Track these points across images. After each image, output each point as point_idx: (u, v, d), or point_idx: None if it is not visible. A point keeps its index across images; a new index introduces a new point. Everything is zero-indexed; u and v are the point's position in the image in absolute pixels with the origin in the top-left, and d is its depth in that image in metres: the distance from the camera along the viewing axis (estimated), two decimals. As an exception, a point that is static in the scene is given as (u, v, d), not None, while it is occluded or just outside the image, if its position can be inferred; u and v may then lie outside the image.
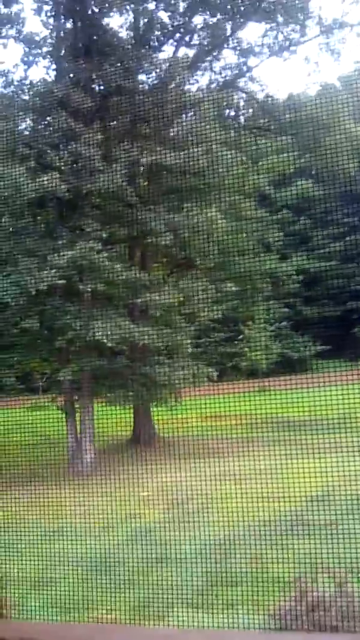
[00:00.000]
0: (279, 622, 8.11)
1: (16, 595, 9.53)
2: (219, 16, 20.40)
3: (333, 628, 7.81)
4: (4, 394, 19.10)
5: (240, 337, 20.93)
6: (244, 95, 21.48)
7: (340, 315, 22.51)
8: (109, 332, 15.69)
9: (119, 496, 11.41)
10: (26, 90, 19.41)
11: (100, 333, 15.58)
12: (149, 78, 19.17)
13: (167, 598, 8.97)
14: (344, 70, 26.72)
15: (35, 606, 9.19)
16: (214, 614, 8.88)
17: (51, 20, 19.97)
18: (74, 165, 16.88)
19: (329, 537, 9.15)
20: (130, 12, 19.96)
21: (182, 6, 20.26)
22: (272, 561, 9.59)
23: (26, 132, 18.53)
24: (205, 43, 20.79)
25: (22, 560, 9.78)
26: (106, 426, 15.62)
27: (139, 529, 11.45)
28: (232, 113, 20.97)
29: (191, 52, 21.03)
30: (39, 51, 20.06)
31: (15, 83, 19.95)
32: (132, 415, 17.80)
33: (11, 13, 20.10)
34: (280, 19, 20.18)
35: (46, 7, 19.95)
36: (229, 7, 20.13)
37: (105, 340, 15.60)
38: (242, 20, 20.56)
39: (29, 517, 10.54)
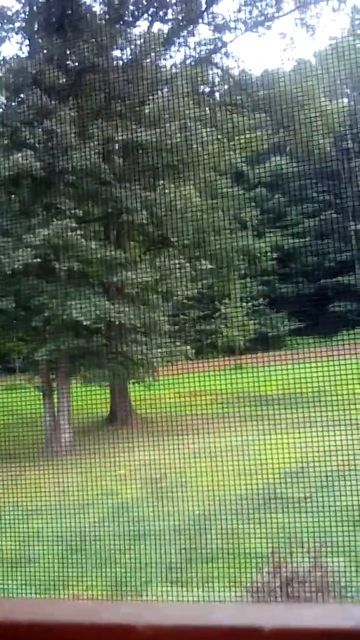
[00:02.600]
0: (255, 596, 8.25)
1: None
2: (193, -10, 20.19)
3: (308, 600, 7.96)
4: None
5: (217, 314, 20.99)
6: (218, 71, 21.37)
7: (315, 292, 22.66)
8: (85, 311, 15.68)
9: (96, 474, 11.49)
10: (-2, 67, 19.15)
11: (76, 312, 15.56)
12: (123, 54, 19.00)
13: (144, 574, 9.10)
14: (319, 45, 26.64)
15: (13, 585, 9.26)
16: (190, 589, 9.00)
17: (24, -5, 19.69)
18: (48, 142, 16.72)
19: (303, 512, 9.32)
20: (104, -14, 19.70)
21: (156, -20, 20.06)
22: (248, 536, 9.73)
23: (-1, 110, 18.35)
24: (180, 18, 20.60)
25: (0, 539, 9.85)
26: (83, 405, 15.67)
27: (116, 506, 11.55)
28: (207, 89, 20.83)
29: (165, 28, 20.85)
30: (12, 26, 19.78)
31: (-13, 59, 19.64)
32: (109, 393, 17.84)
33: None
34: (255, -7, 20.05)
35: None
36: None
37: (81, 319, 15.59)
38: (217, -6, 20.39)
39: (6, 497, 10.59)
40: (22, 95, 18.15)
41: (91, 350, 16.66)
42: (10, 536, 9.95)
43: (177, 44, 20.78)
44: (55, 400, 16.61)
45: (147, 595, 8.76)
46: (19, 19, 19.68)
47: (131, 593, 8.76)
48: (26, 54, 19.32)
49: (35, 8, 19.30)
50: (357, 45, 18.58)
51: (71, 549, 10.24)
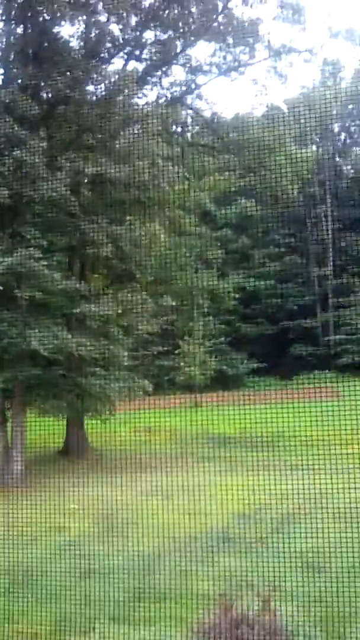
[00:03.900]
0: (202, 638, 8.08)
1: None
2: (170, 32, 20.55)
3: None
4: None
5: (177, 351, 20.98)
6: (190, 112, 21.68)
7: (275, 333, 22.81)
8: (44, 341, 15.49)
9: (46, 508, 11.23)
10: (-28, 94, 19.05)
11: (35, 341, 15.37)
12: (97, 89, 19.16)
13: (91, 612, 8.86)
14: (291, 93, 27.26)
15: None
16: (137, 629, 8.80)
17: (1, 25, 19.75)
18: (17, 171, 16.66)
19: (255, 554, 9.19)
20: (82, 23, 19.86)
21: (133, 20, 20.35)
22: (198, 577, 9.56)
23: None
24: (155, 58, 20.90)
25: None
26: (38, 436, 15.43)
27: (66, 541, 11.29)
28: (179, 129, 21.10)
29: (141, 67, 21.14)
30: (-14, 55, 19.76)
31: None
32: (64, 426, 17.60)
33: None
34: (230, 40, 20.47)
35: (-4, 11, 19.69)
36: (180, 24, 20.29)
37: (40, 349, 15.40)
38: (192, 38, 20.76)
39: None
40: (-7, 124, 18.08)
41: (48, 381, 16.45)
42: None
43: (151, 83, 21.08)
44: (9, 429, 16.31)
45: (93, 632, 8.53)
46: (-5, 48, 19.69)
47: (77, 630, 8.52)
48: (0, 82, 19.32)
49: (12, 38, 19.36)
50: (327, 95, 19.01)
51: (16, 583, 9.95)
